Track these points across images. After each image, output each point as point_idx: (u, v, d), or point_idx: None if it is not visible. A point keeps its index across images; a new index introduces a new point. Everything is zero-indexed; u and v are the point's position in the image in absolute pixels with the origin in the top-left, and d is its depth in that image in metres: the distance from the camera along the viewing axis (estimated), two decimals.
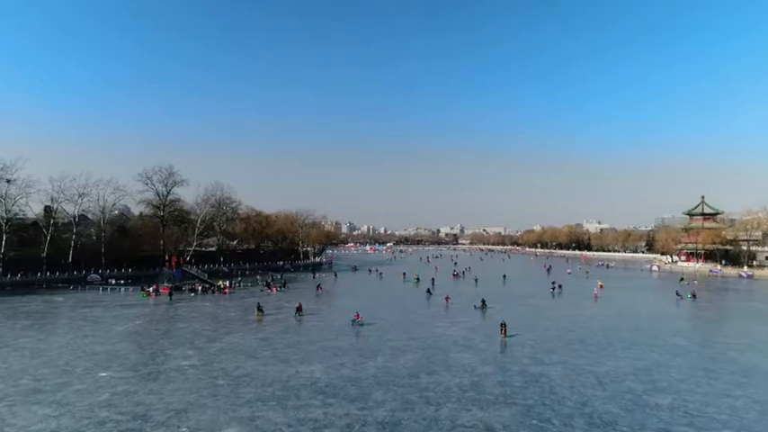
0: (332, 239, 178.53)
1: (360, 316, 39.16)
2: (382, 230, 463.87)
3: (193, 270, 68.07)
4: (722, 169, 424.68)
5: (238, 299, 56.26)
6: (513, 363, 27.02)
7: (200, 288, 61.88)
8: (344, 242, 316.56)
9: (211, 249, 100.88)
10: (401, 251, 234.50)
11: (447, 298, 53.70)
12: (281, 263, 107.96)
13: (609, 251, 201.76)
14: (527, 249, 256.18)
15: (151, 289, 58.48)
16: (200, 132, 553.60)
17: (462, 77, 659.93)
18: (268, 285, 66.33)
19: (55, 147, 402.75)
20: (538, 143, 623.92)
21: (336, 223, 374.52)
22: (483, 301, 48.52)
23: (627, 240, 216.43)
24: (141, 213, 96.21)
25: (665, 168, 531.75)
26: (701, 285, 74.18)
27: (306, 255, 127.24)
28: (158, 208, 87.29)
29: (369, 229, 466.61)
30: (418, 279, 77.45)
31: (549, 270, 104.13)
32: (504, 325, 34.21)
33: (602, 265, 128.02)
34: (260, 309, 44.64)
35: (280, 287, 65.89)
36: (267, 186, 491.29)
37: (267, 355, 28.58)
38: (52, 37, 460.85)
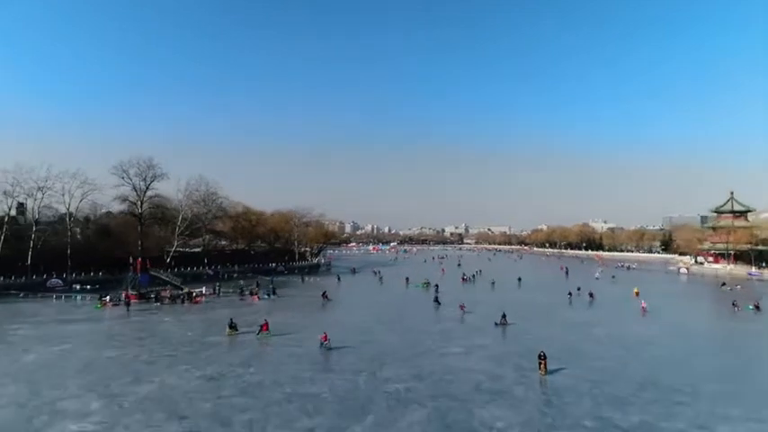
0: (331, 239, 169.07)
1: (327, 338, 30.32)
2: (386, 230, 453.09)
3: (164, 275, 59.07)
4: (727, 168, 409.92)
5: (210, 310, 47.19)
6: (572, 426, 17.78)
7: (168, 296, 52.92)
8: (347, 242, 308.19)
9: (196, 250, 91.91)
10: (405, 251, 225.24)
11: (462, 307, 45.06)
12: (274, 264, 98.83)
13: (621, 251, 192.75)
14: (535, 249, 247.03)
15: (108, 298, 49.54)
16: (200, 131, 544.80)
17: (463, 75, 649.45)
18: (250, 292, 57.07)
19: (54, 144, 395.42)
20: (538, 142, 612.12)
21: (340, 223, 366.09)
22: (504, 316, 39.42)
23: (641, 240, 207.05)
24: (125, 211, 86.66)
25: (668, 167, 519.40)
26: (746, 291, 64.55)
27: (302, 256, 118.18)
28: (136, 205, 78.36)
29: (373, 229, 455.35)
30: (428, 283, 68.02)
31: (567, 273, 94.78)
32: (543, 357, 24.99)
33: (622, 266, 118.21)
34: (232, 326, 35.75)
35: (268, 294, 56.47)
36: (268, 186, 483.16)
37: (203, 410, 19.40)
38: (52, 31, 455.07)
